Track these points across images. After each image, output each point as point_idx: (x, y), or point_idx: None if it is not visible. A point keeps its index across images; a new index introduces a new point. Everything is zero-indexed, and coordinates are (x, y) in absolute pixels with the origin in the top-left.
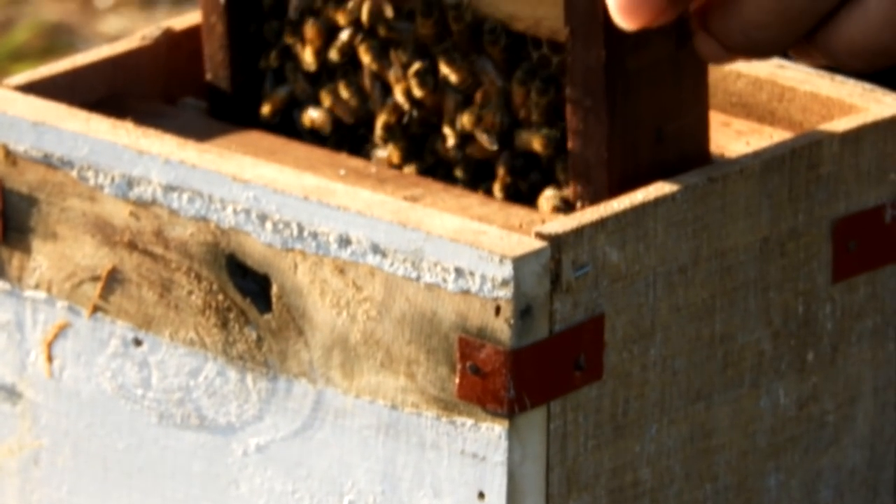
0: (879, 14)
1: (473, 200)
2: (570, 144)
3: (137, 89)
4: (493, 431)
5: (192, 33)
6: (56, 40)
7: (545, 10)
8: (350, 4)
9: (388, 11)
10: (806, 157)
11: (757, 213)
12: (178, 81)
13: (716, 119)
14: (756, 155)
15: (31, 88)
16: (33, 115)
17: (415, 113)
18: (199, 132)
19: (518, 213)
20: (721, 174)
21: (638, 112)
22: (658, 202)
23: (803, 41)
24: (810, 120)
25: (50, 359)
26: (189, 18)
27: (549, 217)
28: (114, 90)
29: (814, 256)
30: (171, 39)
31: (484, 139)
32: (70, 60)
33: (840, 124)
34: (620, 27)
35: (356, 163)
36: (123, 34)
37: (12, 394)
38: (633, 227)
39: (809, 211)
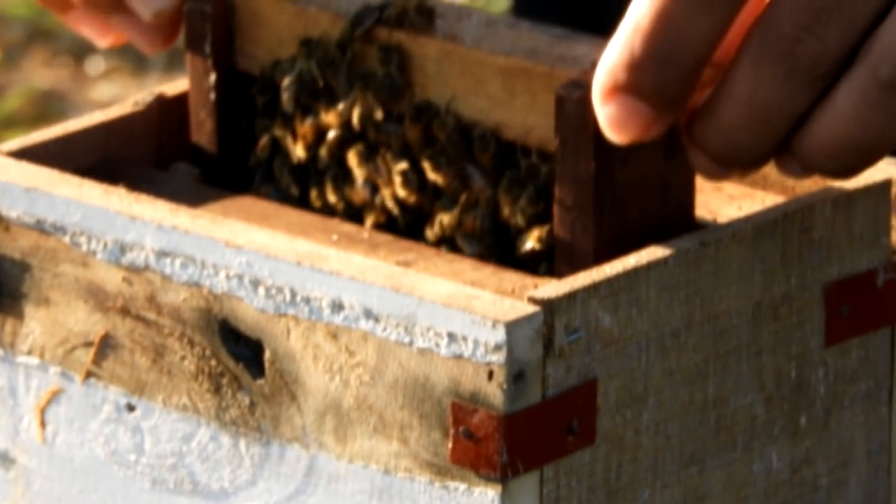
0: (848, 109)
1: (466, 265)
2: (556, 252)
3: (130, 155)
4: (487, 496)
5: (184, 99)
6: (48, 107)
7: (536, 120)
8: (341, 106)
9: (379, 114)
10: (798, 222)
11: (749, 278)
12: (170, 147)
13: (708, 183)
14: (748, 219)
15: (24, 154)
16: (26, 181)
17: (403, 214)
18: (191, 197)
19: (511, 277)
20: (713, 238)
21: (626, 224)
22: (651, 266)
23: (783, 150)
24: (802, 184)
25: (43, 424)
26: (180, 84)
27: (541, 281)
28: (106, 156)
29: (806, 320)
30: (162, 105)
31: (464, 245)
32: (62, 126)
33: (832, 189)
34: (610, 141)
35: (348, 227)
36: (115, 100)
37: (5, 459)
38: (625, 292)
39: (802, 275)
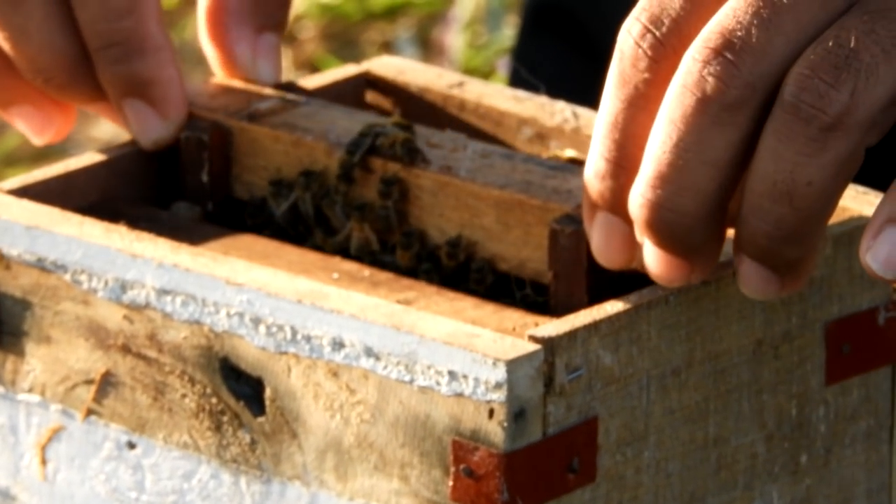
0: (762, 145)
1: (467, 303)
2: None
3: (130, 193)
4: None
5: None
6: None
7: (530, 252)
8: (339, 237)
9: (375, 245)
10: None
11: (750, 316)
12: (170, 186)
13: None
14: None
15: (25, 192)
16: (27, 220)
17: None
18: (192, 236)
19: (511, 316)
20: (714, 277)
21: None
22: (651, 305)
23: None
24: None
25: (44, 462)
26: None
27: (542, 320)
28: (107, 194)
29: (807, 359)
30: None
31: None
32: (63, 165)
33: (833, 227)
34: (603, 266)
35: (349, 266)
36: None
37: (6, 497)
38: (626, 330)
39: (803, 314)
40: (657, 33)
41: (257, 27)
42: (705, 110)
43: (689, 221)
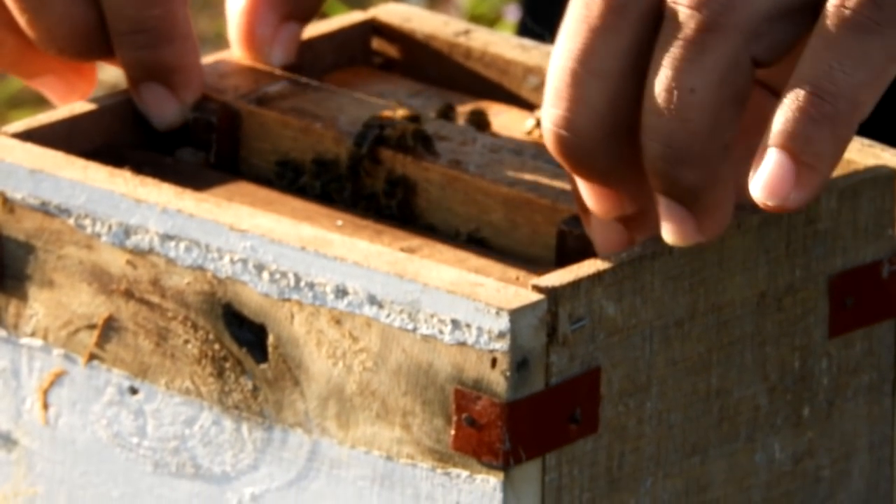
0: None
1: (470, 252)
2: None
3: (135, 139)
4: (489, 483)
5: None
6: None
7: (537, 251)
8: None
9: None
10: (804, 213)
11: (754, 268)
12: (175, 131)
13: None
14: (754, 210)
15: (29, 136)
16: (31, 163)
17: None
18: (196, 182)
19: (515, 265)
20: None
21: None
22: (655, 256)
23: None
24: None
25: (45, 406)
26: None
27: (545, 270)
28: (111, 139)
29: (810, 312)
30: None
31: None
32: (68, 108)
33: (838, 180)
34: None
35: (353, 214)
36: (121, 83)
37: (8, 441)
38: (630, 281)
39: (806, 266)
40: None
41: (285, 14)
42: (589, 15)
43: (587, 142)
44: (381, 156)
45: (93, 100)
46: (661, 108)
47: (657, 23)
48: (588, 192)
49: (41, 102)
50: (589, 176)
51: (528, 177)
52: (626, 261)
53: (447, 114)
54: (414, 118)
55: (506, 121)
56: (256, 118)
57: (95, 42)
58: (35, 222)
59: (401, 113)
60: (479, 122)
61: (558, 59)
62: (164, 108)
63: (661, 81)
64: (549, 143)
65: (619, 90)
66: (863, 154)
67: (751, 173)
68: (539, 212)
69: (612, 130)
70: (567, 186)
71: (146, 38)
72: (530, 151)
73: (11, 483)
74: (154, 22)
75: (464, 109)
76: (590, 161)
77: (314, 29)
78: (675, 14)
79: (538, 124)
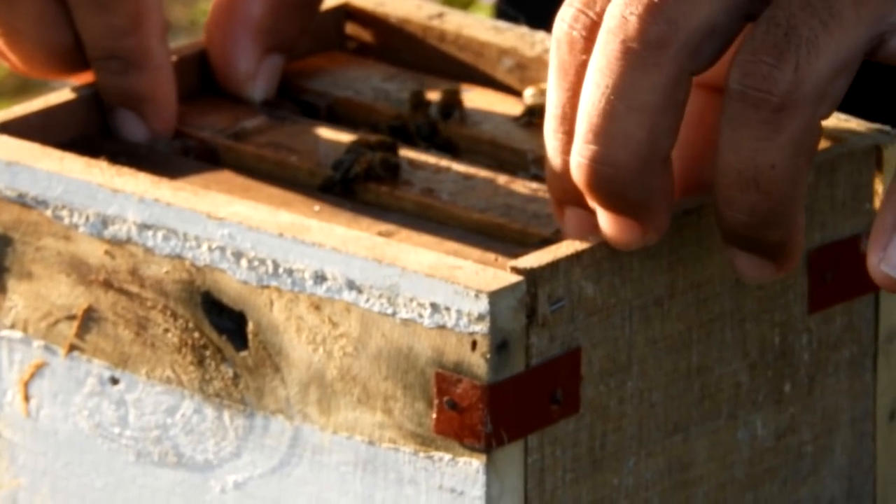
0: (720, 134)
1: (448, 235)
2: None
3: (110, 129)
4: (471, 466)
5: None
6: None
7: None
8: None
9: None
10: None
11: None
12: None
13: None
14: None
15: (5, 128)
16: (7, 155)
17: None
18: (172, 171)
19: (493, 247)
20: (696, 206)
21: None
22: None
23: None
24: None
25: (27, 398)
26: None
27: (524, 251)
28: (87, 130)
29: (790, 287)
30: None
31: None
32: (44, 100)
33: (816, 154)
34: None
35: (330, 199)
36: None
37: None
38: (608, 261)
39: None
40: (590, 13)
41: (267, 48)
42: (628, 51)
43: (624, 175)
44: (354, 186)
45: (68, 90)
46: (742, 184)
47: (693, 57)
48: (614, 224)
49: (17, 94)
50: (622, 209)
51: (500, 202)
52: (605, 240)
53: (419, 100)
54: (389, 146)
55: (479, 102)
56: (233, 153)
57: (73, 63)
58: (12, 214)
59: (374, 139)
60: (452, 102)
61: (593, 96)
62: (135, 135)
63: (740, 161)
64: (584, 178)
65: (658, 124)
66: (840, 129)
67: (874, 256)
68: (510, 236)
69: (650, 164)
70: (538, 209)
71: (118, 64)
72: (503, 178)
73: None
74: (126, 52)
75: (437, 93)
76: (625, 194)
77: None
78: (743, 96)
79: (529, 113)
